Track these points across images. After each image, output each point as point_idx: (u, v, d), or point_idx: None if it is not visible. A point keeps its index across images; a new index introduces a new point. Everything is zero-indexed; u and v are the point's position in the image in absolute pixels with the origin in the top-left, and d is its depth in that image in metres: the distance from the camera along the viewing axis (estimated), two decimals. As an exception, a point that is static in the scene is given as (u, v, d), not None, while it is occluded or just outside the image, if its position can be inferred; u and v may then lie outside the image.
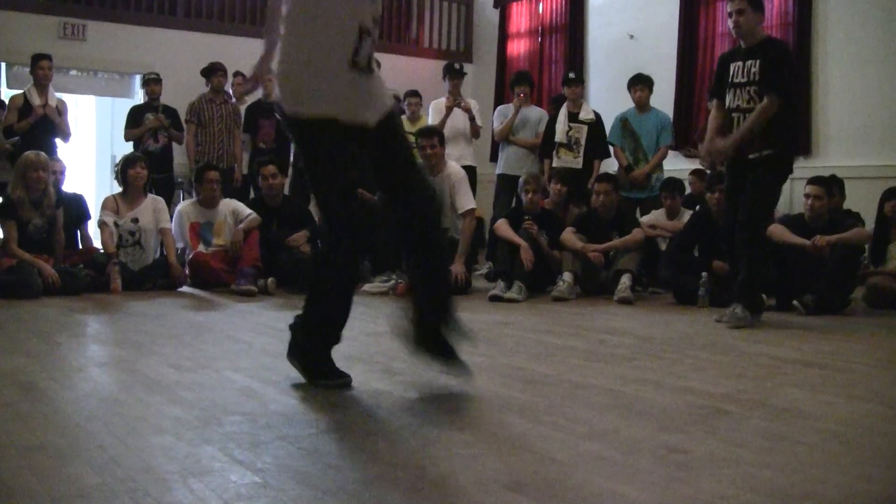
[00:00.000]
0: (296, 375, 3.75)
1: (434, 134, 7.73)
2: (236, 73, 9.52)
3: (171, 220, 7.83)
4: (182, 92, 9.87)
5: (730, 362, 4.47)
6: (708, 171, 7.47)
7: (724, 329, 5.65)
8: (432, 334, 3.69)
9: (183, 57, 10.64)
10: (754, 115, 5.74)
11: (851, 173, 6.63)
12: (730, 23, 5.97)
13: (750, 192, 5.85)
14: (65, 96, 9.03)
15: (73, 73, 10.86)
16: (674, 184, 8.25)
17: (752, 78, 5.81)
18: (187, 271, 7.61)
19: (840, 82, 8.75)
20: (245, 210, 7.79)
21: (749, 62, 5.83)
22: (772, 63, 5.77)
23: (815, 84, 8.94)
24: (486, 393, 3.62)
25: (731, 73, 5.91)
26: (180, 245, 7.82)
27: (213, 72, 9.46)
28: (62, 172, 8.10)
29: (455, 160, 8.14)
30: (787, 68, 5.88)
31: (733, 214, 5.99)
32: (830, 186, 7.14)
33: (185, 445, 2.74)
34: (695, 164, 8.85)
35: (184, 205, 8.09)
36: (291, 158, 9.41)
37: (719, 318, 5.93)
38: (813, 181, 6.85)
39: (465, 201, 7.53)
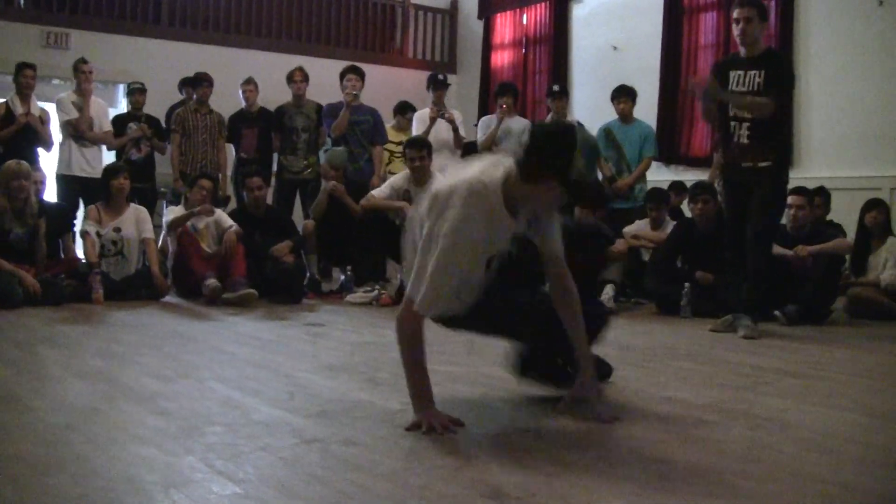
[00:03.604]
0: (278, 386, 3.74)
1: (423, 145, 7.74)
2: (249, 80, 9.53)
3: (154, 230, 7.79)
4: (165, 102, 9.87)
5: (712, 372, 4.49)
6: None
7: (707, 339, 5.68)
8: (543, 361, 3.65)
9: (166, 66, 10.63)
10: (757, 100, 5.76)
11: (833, 184, 6.68)
12: (735, 30, 5.97)
13: (759, 210, 5.90)
14: (47, 105, 8.99)
15: (56, 82, 10.81)
16: (658, 195, 8.27)
17: (754, 88, 5.83)
18: (170, 281, 7.58)
19: (821, 95, 8.79)
20: (227, 221, 7.74)
21: (752, 72, 5.85)
22: (778, 74, 5.82)
23: (797, 96, 8.97)
24: (468, 403, 3.61)
25: (732, 81, 5.93)
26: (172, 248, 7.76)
27: (198, 82, 9.44)
28: (42, 182, 8.07)
29: (439, 171, 8.13)
30: (790, 81, 5.90)
31: (735, 222, 6.03)
32: (812, 197, 7.18)
33: (166, 456, 2.72)
34: (676, 177, 8.88)
35: (171, 209, 8.03)
36: (274, 168, 9.43)
37: (714, 327, 5.97)
38: (795, 191, 6.88)
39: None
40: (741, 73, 5.90)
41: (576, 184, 2.99)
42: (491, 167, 3.13)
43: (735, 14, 5.97)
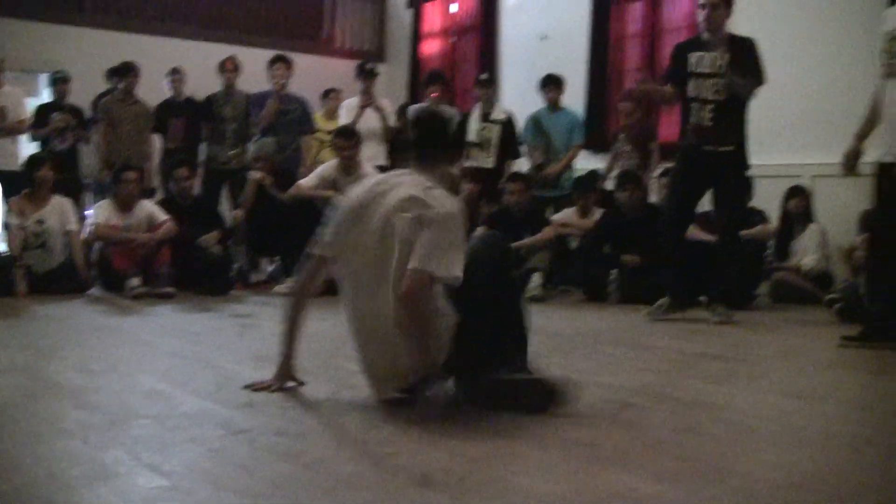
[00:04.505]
0: (205, 378, 3.71)
1: (352, 135, 7.73)
2: (175, 70, 9.41)
3: (79, 221, 7.66)
4: (91, 92, 9.67)
5: (638, 357, 4.55)
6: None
7: (634, 325, 5.75)
8: None
9: (91, 55, 10.42)
10: (742, 81, 5.81)
11: (755, 172, 6.78)
12: (700, 14, 5.97)
13: (730, 198, 6.00)
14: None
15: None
16: (585, 182, 8.34)
17: (719, 70, 5.86)
18: (94, 273, 7.46)
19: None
20: (161, 215, 7.61)
21: (715, 54, 5.88)
22: (748, 57, 5.86)
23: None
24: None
25: (693, 62, 5.95)
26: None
27: (125, 72, 9.25)
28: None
29: (367, 160, 8.12)
30: (760, 65, 5.94)
31: (680, 199, 6.08)
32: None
33: (91, 450, 2.69)
34: (604, 165, 8.96)
35: (101, 205, 7.83)
36: (201, 158, 9.32)
37: (650, 313, 6.03)
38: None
39: None
40: (703, 53, 5.92)
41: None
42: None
43: (701, 0, 6.01)
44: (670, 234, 6.11)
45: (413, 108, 3.83)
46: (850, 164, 5.18)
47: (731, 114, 5.88)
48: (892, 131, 4.87)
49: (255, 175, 8.06)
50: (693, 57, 5.96)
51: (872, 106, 5.06)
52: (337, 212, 3.40)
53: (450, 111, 3.59)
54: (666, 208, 6.30)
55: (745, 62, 5.84)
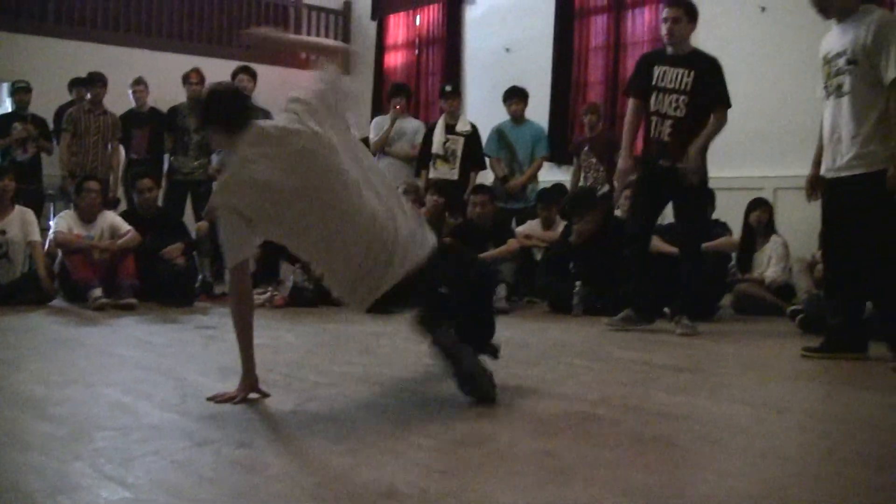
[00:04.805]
0: (169, 389, 3.69)
1: None
2: (139, 80, 9.36)
3: (42, 232, 7.59)
4: (53, 101, 9.60)
5: (603, 369, 4.56)
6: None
7: (598, 336, 5.78)
8: None
9: (53, 65, 10.34)
10: (710, 130, 5.92)
11: (718, 184, 6.87)
12: (663, 28, 6.02)
13: (686, 213, 6.07)
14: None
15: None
16: (549, 195, 8.37)
17: (682, 87, 5.90)
18: (57, 284, 7.39)
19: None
20: (124, 226, 7.56)
21: (680, 70, 5.92)
22: (714, 79, 5.92)
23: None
24: (362, 402, 3.61)
25: (657, 75, 5.99)
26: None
27: (92, 82, 9.18)
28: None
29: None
30: (724, 86, 5.99)
31: (641, 213, 6.12)
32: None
33: (54, 462, 2.66)
34: (568, 177, 9.00)
35: (63, 215, 7.75)
36: (165, 169, 9.27)
37: (610, 323, 6.07)
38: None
39: None
40: (668, 68, 5.96)
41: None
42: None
43: (663, 14, 6.05)
44: (633, 248, 6.15)
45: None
46: (813, 189, 5.27)
47: (690, 130, 5.93)
48: (830, 149, 4.98)
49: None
50: (657, 70, 6.01)
51: (821, 129, 5.15)
52: (228, 223, 3.50)
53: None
54: (629, 222, 6.34)
55: (709, 84, 5.90)
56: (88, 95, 9.18)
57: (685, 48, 6.01)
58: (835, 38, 4.96)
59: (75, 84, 9.50)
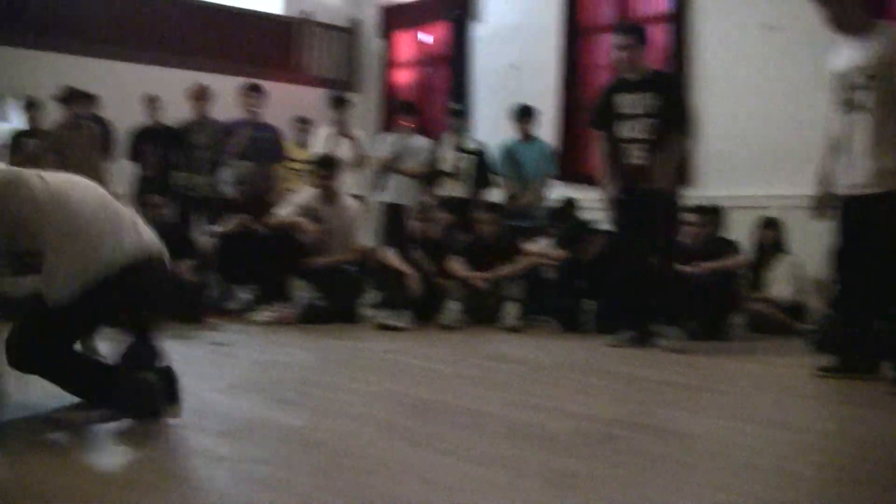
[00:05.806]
0: (184, 405, 3.69)
1: (332, 165, 7.73)
2: (154, 98, 9.38)
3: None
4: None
5: (616, 387, 4.56)
6: None
7: (610, 355, 5.77)
8: None
9: (61, 81, 10.33)
10: (675, 155, 5.97)
11: (728, 203, 6.88)
12: (614, 55, 6.08)
13: (657, 232, 6.06)
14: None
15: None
16: (561, 213, 8.38)
17: (647, 111, 5.94)
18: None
19: (717, 117, 8.99)
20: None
21: (642, 94, 5.96)
22: (675, 101, 5.99)
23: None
24: (374, 419, 3.61)
25: (619, 104, 6.02)
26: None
27: (72, 99, 9.11)
28: None
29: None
30: (686, 103, 6.03)
31: (628, 237, 6.13)
32: (709, 215, 7.35)
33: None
34: (574, 195, 9.02)
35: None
36: (174, 185, 9.27)
37: (610, 343, 6.06)
38: (693, 210, 7.04)
39: (359, 237, 7.70)
40: (630, 95, 6.00)
41: None
42: None
43: (613, 41, 6.10)
44: (627, 269, 6.18)
45: None
46: (823, 209, 5.21)
47: (663, 150, 5.96)
48: (843, 165, 4.95)
49: (236, 219, 7.95)
50: (619, 99, 6.05)
51: (827, 146, 5.10)
52: None
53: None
54: (619, 247, 6.37)
55: (674, 106, 5.97)
56: (69, 112, 9.08)
57: (643, 71, 6.06)
58: (850, 54, 4.93)
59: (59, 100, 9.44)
